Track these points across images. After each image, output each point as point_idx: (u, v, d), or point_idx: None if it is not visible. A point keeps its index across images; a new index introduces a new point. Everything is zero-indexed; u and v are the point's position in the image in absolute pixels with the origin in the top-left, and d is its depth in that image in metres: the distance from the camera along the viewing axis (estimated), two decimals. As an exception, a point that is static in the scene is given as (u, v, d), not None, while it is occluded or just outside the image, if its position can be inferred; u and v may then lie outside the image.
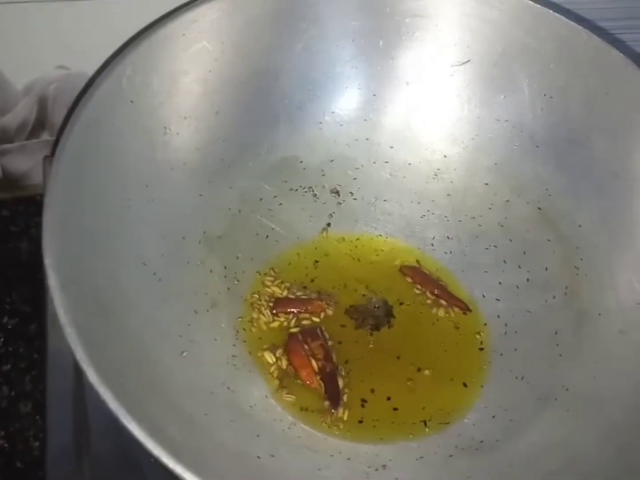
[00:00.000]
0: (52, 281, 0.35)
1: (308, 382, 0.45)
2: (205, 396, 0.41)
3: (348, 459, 0.42)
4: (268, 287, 0.49)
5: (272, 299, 0.48)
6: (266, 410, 0.43)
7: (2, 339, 0.53)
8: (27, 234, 0.58)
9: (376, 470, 0.41)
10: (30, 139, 0.57)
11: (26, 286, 0.56)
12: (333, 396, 0.44)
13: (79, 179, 0.41)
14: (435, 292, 0.50)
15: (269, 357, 0.46)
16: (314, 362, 0.45)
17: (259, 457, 0.38)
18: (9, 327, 0.54)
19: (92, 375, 0.33)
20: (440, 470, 0.42)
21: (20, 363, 0.52)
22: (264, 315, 0.48)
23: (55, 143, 0.41)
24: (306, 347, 0.46)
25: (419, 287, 0.50)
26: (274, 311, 0.48)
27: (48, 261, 0.36)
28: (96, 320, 0.37)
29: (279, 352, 0.46)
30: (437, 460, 0.42)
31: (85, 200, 0.41)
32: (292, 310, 0.48)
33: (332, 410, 0.44)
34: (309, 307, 0.48)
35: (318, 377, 0.45)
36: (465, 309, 0.49)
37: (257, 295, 0.48)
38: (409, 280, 0.50)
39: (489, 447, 0.43)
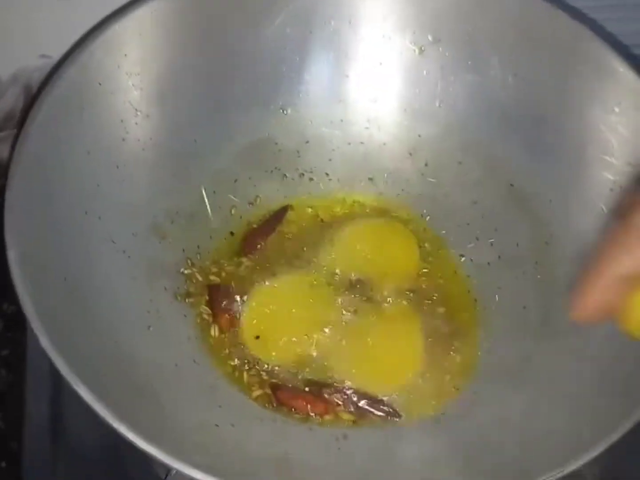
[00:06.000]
0: (11, 254, 0.36)
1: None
2: (169, 369, 0.42)
3: (310, 429, 0.42)
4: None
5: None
6: (233, 383, 0.44)
7: (1, 325, 0.54)
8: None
9: (337, 440, 0.42)
10: (19, 128, 0.58)
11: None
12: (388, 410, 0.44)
13: (45, 158, 0.42)
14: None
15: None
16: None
17: (217, 425, 0.39)
18: (9, 313, 0.55)
19: (44, 341, 0.34)
20: (403, 442, 0.42)
21: (19, 349, 0.52)
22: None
23: (22, 122, 0.42)
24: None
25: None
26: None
27: (8, 234, 0.37)
28: (58, 293, 0.38)
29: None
30: (402, 431, 0.43)
31: (51, 179, 0.42)
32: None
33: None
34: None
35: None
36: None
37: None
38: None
39: (453, 420, 0.43)
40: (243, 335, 0.46)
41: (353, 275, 0.49)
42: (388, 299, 0.49)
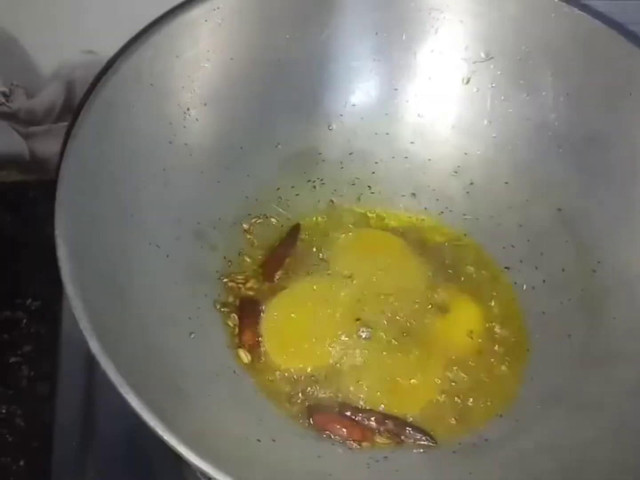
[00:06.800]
0: (61, 252, 0.35)
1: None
2: (210, 378, 0.41)
3: (350, 448, 0.41)
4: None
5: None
6: (271, 397, 0.43)
7: (24, 320, 0.54)
8: (53, 217, 0.59)
9: (377, 461, 0.41)
10: (57, 123, 0.58)
11: (51, 269, 0.56)
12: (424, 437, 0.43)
13: (95, 157, 0.41)
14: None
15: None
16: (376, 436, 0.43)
17: (259, 440, 0.38)
18: (32, 308, 0.54)
19: (94, 345, 0.33)
20: (441, 466, 0.41)
21: (41, 344, 0.53)
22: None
23: (73, 121, 0.41)
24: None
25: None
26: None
27: (58, 232, 0.36)
28: (103, 295, 0.38)
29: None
30: (440, 455, 0.42)
31: (99, 178, 0.41)
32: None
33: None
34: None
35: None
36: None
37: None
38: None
39: (493, 445, 0.42)
40: (264, 341, 0.45)
41: (372, 286, 0.48)
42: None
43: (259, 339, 0.45)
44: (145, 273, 0.42)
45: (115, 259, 0.40)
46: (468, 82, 0.52)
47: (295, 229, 0.50)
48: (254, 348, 0.45)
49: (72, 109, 0.57)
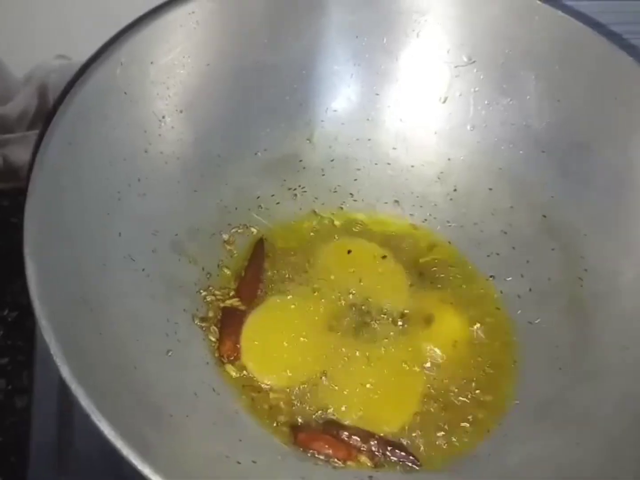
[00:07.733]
0: (30, 271, 0.34)
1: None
2: (188, 397, 0.40)
3: (334, 467, 0.40)
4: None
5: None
6: (252, 415, 0.42)
7: (1, 332, 0.52)
8: (24, 231, 0.58)
9: (361, 480, 0.40)
10: (30, 129, 0.56)
11: (28, 279, 0.55)
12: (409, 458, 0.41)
13: (66, 168, 0.40)
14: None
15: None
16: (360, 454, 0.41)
17: (239, 462, 0.37)
18: (9, 320, 0.53)
19: (65, 371, 0.32)
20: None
21: (19, 357, 0.51)
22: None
23: (43, 131, 0.40)
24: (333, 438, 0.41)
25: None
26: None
27: (27, 250, 0.35)
28: (75, 314, 0.36)
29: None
30: (426, 474, 0.41)
31: (71, 190, 0.40)
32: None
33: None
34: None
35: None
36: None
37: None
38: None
39: (481, 461, 0.41)
40: (243, 357, 0.44)
41: (354, 298, 0.48)
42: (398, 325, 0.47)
43: (239, 350, 0.44)
44: (120, 288, 0.41)
45: (88, 274, 0.39)
46: (450, 86, 0.51)
47: (259, 245, 0.49)
48: (234, 360, 0.44)
49: (45, 115, 0.55)
